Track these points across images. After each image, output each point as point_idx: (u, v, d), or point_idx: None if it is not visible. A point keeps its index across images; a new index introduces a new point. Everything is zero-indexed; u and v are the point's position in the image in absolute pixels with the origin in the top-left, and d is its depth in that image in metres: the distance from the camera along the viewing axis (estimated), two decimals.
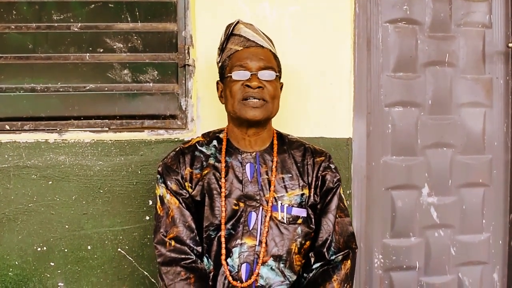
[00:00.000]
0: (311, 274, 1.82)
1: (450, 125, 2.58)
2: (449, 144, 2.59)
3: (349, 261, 1.81)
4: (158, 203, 1.86)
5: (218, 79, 1.92)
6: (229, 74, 1.81)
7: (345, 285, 1.78)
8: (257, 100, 1.77)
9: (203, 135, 1.95)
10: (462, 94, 2.59)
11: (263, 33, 1.91)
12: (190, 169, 1.85)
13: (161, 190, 1.86)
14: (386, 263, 2.56)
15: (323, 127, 2.34)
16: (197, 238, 1.83)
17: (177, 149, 1.91)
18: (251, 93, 1.77)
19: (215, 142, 1.90)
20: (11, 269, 2.20)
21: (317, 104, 2.33)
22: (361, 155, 2.44)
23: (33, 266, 2.21)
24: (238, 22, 1.88)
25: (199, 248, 1.83)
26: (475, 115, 2.61)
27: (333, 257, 1.81)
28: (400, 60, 2.51)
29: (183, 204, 1.83)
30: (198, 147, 1.90)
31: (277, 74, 1.84)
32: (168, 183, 1.84)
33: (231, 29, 1.86)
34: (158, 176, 1.88)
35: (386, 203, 2.55)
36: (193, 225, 1.82)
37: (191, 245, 1.81)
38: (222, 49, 1.88)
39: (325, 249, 1.82)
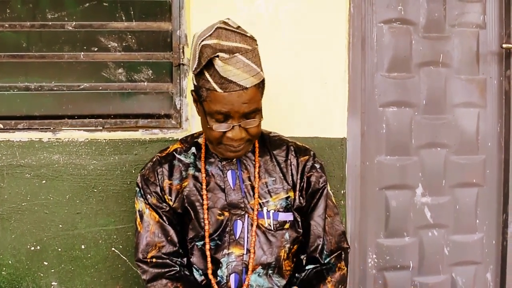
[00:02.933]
0: (303, 274, 1.80)
1: (444, 125, 2.59)
2: (443, 144, 2.59)
3: (343, 263, 1.80)
4: (138, 219, 1.81)
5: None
6: (208, 120, 1.63)
7: (340, 286, 1.77)
8: (238, 144, 1.66)
9: (181, 141, 1.88)
10: (456, 94, 2.59)
11: (247, 42, 1.61)
12: (169, 181, 1.79)
13: (140, 204, 1.81)
14: (380, 263, 2.56)
15: (317, 127, 2.34)
16: (181, 250, 1.79)
17: (154, 159, 1.83)
18: (232, 144, 1.65)
19: (193, 149, 1.82)
20: (4, 269, 2.19)
21: (311, 103, 2.33)
22: (355, 155, 2.44)
23: (27, 266, 2.20)
24: (217, 56, 1.55)
25: (184, 260, 1.79)
26: (469, 115, 2.62)
27: (327, 260, 1.79)
28: (394, 60, 2.52)
29: (163, 218, 1.78)
30: (176, 155, 1.82)
31: (261, 118, 1.68)
32: (148, 196, 1.79)
33: (206, 61, 1.56)
34: (137, 188, 1.82)
35: (380, 203, 2.55)
36: (176, 239, 1.78)
37: (174, 258, 1.77)
38: (199, 71, 1.60)
39: (317, 254, 1.79)
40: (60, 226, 2.21)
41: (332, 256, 1.80)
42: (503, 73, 2.62)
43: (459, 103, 2.60)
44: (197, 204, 1.77)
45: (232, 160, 1.79)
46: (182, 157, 1.82)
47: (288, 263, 1.82)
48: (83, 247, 2.22)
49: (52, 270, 2.22)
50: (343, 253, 1.82)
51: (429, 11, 2.54)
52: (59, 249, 2.21)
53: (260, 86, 1.65)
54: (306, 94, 2.33)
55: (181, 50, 2.28)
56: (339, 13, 2.34)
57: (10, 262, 2.20)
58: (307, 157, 1.84)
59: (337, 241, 1.82)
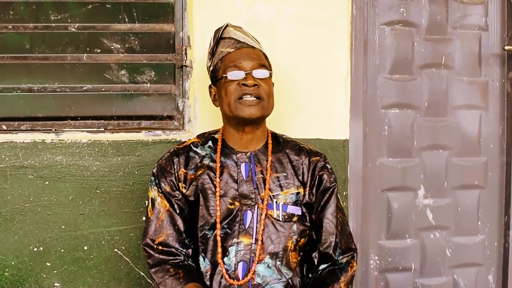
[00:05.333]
0: (316, 274, 1.85)
1: (445, 127, 2.59)
2: (444, 146, 2.60)
3: (355, 263, 1.86)
4: (149, 206, 1.88)
5: (210, 83, 1.93)
6: (223, 75, 1.82)
7: (349, 286, 1.82)
8: (253, 98, 1.79)
9: (198, 136, 1.97)
10: (458, 96, 2.60)
11: (252, 36, 1.94)
12: (184, 170, 1.86)
13: (153, 192, 1.88)
14: (381, 264, 2.56)
15: (320, 129, 2.34)
16: (186, 241, 1.85)
17: (171, 150, 1.92)
18: (247, 91, 1.78)
19: (210, 143, 1.91)
20: (7, 269, 2.20)
21: (314, 105, 2.34)
22: (357, 156, 2.44)
23: (29, 267, 2.21)
24: (227, 26, 1.90)
25: (189, 251, 1.85)
26: (470, 117, 2.62)
27: (340, 258, 1.85)
28: (396, 62, 2.52)
29: (174, 207, 1.85)
30: (193, 148, 1.91)
31: (270, 72, 1.86)
32: (162, 184, 1.86)
33: (220, 33, 1.89)
34: (152, 178, 1.89)
35: (382, 205, 2.55)
36: (182, 229, 1.84)
37: (179, 247, 1.83)
38: (212, 53, 1.90)
39: (331, 251, 1.85)
40: (63, 227, 2.21)
41: (345, 256, 1.86)
42: (505, 75, 2.63)
43: (461, 105, 2.61)
44: (209, 192, 1.84)
45: (246, 154, 1.88)
46: (198, 150, 1.91)
47: (295, 255, 1.86)
48: (85, 248, 2.23)
49: (55, 271, 2.22)
50: (355, 254, 1.88)
51: (431, 13, 2.54)
52: (62, 250, 2.22)
53: (266, 58, 1.90)
54: (308, 96, 2.33)
55: (183, 51, 2.28)
56: (341, 15, 2.35)
57: (13, 263, 2.20)
58: (319, 158, 1.93)
59: (346, 241, 1.89)
